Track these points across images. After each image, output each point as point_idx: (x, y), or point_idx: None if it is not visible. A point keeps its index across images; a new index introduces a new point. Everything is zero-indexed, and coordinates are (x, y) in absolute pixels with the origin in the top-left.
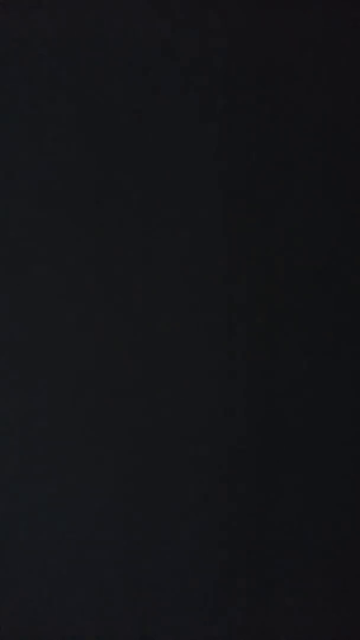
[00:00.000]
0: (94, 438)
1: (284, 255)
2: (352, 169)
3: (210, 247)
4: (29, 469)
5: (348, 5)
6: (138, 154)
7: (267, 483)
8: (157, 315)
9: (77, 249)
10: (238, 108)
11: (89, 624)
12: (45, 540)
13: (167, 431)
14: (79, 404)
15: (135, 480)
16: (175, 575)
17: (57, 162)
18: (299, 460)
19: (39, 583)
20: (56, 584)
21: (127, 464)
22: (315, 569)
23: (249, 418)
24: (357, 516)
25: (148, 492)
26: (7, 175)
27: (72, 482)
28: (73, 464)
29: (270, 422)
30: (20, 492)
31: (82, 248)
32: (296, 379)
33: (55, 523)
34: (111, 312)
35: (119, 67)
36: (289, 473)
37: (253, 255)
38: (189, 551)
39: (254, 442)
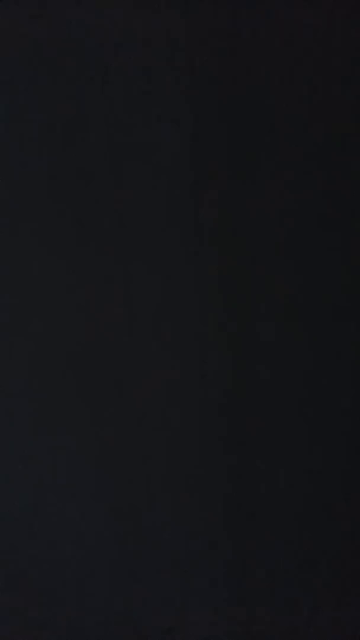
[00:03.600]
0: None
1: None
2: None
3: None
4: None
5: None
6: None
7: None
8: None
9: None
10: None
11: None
12: (32, 527)
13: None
14: (57, 396)
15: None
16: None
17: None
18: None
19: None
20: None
21: (111, 454)
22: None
23: (227, 411)
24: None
25: (131, 484)
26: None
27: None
28: (55, 452)
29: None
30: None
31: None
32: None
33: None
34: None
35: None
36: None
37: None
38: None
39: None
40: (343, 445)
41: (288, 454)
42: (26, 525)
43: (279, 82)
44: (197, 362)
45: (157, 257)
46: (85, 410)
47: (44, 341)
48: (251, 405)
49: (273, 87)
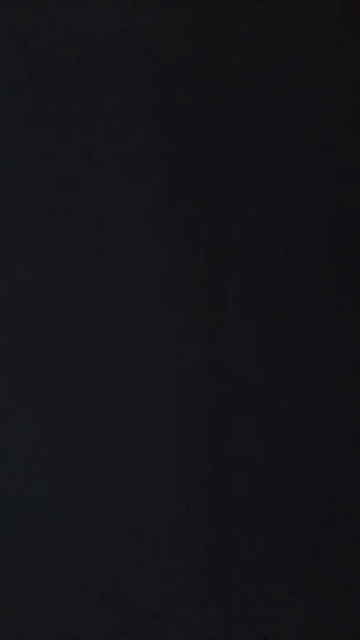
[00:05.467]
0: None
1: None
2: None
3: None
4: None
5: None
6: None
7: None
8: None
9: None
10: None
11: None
12: (19, 515)
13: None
14: (44, 390)
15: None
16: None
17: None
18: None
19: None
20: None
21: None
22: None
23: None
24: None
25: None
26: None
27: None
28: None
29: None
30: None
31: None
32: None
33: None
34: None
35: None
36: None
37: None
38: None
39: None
40: (327, 434)
41: (273, 442)
42: (14, 513)
43: (262, 81)
44: (174, 354)
45: (135, 251)
46: (73, 403)
47: (28, 335)
48: (233, 396)
49: (254, 85)
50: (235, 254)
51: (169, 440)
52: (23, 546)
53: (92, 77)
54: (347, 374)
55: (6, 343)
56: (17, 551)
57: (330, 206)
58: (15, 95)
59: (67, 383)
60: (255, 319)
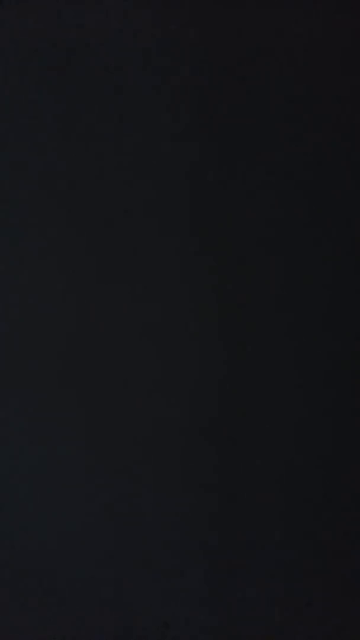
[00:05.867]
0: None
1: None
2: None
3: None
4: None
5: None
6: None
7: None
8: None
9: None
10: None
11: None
12: (27, 518)
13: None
14: (52, 388)
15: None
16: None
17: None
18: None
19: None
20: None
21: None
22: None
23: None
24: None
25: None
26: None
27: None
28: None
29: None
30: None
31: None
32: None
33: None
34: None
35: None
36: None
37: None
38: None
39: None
40: (340, 440)
41: (283, 448)
42: (17, 515)
43: (280, 81)
44: (193, 356)
45: (155, 254)
46: (83, 402)
47: (38, 336)
48: (247, 398)
49: (275, 86)
50: (259, 253)
51: (172, 442)
52: (25, 548)
53: (105, 79)
54: None
55: (35, 336)
56: (18, 553)
57: None
58: (42, 92)
59: (80, 383)
60: (278, 324)
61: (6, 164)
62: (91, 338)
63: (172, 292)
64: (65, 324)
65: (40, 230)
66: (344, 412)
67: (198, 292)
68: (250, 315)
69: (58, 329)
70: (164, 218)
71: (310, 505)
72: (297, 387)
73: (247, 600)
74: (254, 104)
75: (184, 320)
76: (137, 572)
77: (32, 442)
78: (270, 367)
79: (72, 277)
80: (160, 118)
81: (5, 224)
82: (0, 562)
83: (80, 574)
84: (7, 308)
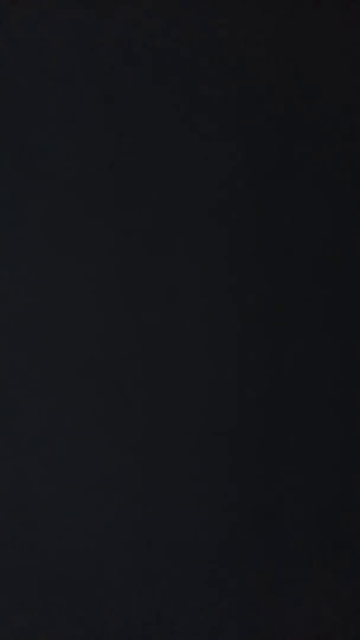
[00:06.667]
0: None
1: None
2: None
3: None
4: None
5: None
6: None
7: (271, 473)
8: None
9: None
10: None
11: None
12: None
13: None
14: (81, 393)
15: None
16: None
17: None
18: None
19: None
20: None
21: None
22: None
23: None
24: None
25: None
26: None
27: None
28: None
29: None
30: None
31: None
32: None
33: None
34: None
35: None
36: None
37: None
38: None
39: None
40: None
41: (321, 457)
42: (15, 515)
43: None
44: (233, 362)
45: (190, 257)
46: (106, 403)
47: (51, 335)
48: (287, 406)
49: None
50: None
51: (187, 448)
52: (25, 547)
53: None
54: None
55: (59, 334)
56: (19, 554)
57: None
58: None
59: (109, 386)
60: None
61: (6, 164)
62: (109, 341)
63: (190, 295)
64: (86, 324)
65: (53, 226)
66: None
67: (213, 294)
68: (272, 319)
69: (83, 329)
70: (172, 218)
71: (310, 505)
72: (317, 393)
73: (247, 600)
74: (255, 105)
75: (200, 322)
76: (137, 572)
77: (47, 444)
78: (312, 377)
79: (98, 274)
80: (160, 118)
81: (10, 223)
82: (1, 562)
83: (80, 574)
84: (26, 307)
